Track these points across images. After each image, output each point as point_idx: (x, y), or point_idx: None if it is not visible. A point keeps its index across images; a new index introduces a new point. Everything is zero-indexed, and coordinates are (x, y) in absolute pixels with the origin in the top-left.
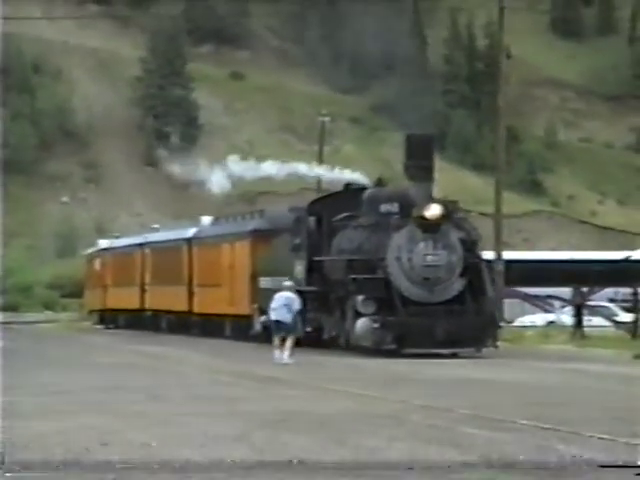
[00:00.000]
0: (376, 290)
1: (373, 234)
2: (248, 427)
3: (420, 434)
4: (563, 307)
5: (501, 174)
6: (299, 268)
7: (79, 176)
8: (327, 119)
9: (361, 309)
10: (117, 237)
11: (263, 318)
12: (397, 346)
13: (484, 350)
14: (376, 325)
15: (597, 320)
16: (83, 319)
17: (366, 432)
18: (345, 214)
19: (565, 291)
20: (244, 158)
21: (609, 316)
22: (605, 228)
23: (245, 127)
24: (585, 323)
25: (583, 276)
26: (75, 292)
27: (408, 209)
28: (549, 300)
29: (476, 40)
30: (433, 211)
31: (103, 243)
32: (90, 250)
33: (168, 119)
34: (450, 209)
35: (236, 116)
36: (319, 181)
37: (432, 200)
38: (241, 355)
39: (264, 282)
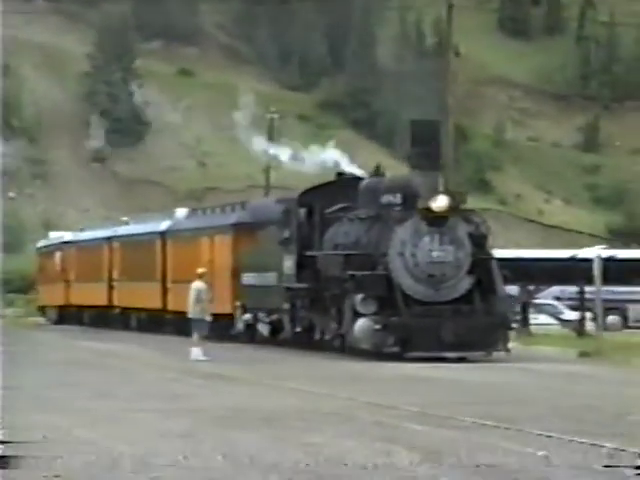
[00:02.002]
0: (377, 288)
1: (373, 227)
2: (195, 424)
3: (365, 431)
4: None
5: (449, 172)
6: (288, 263)
7: (26, 172)
8: (275, 116)
9: (360, 309)
10: (81, 230)
11: (246, 316)
12: (400, 349)
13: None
14: (377, 326)
15: (543, 318)
16: (30, 315)
17: (312, 429)
18: (339, 205)
19: (512, 289)
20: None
21: (555, 314)
22: (551, 227)
23: (193, 124)
24: (531, 321)
25: (530, 274)
26: (22, 287)
27: (412, 200)
28: None
29: (425, 38)
30: (440, 203)
31: (55, 236)
32: (43, 243)
33: (115, 116)
34: (458, 200)
35: (184, 113)
36: (268, 179)
37: (439, 191)
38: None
39: (247, 278)
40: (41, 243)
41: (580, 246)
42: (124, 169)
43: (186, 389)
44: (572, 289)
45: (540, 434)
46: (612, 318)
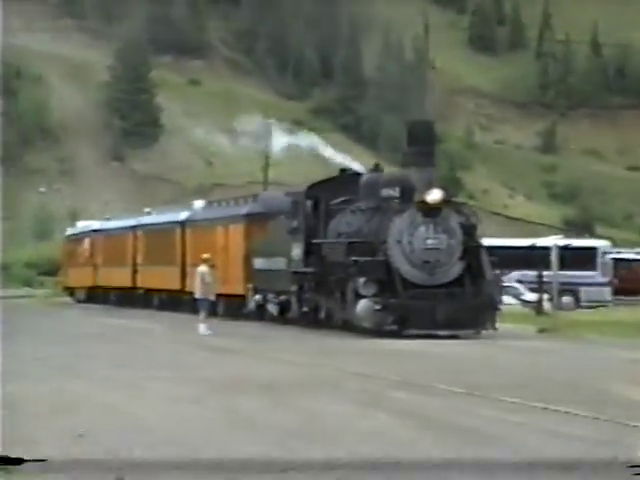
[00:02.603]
0: (377, 272)
1: (373, 218)
2: (202, 391)
3: (352, 398)
4: None
5: None
6: (296, 250)
7: (54, 169)
8: (272, 121)
9: (362, 291)
10: (108, 219)
11: (257, 297)
12: (398, 327)
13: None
14: (377, 307)
15: (506, 299)
16: (58, 295)
17: (305, 396)
18: (342, 198)
19: None
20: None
21: (516, 295)
22: (514, 219)
23: (199, 131)
24: None
25: (496, 260)
26: (50, 271)
27: (409, 194)
28: None
29: (405, 53)
30: (434, 196)
31: (82, 225)
32: (72, 231)
33: (132, 120)
34: (450, 194)
35: (192, 118)
36: (265, 175)
37: (433, 185)
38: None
39: (258, 263)
40: (69, 231)
41: (539, 236)
42: (140, 167)
43: (194, 360)
44: (532, 273)
45: (513, 402)
46: (566, 299)
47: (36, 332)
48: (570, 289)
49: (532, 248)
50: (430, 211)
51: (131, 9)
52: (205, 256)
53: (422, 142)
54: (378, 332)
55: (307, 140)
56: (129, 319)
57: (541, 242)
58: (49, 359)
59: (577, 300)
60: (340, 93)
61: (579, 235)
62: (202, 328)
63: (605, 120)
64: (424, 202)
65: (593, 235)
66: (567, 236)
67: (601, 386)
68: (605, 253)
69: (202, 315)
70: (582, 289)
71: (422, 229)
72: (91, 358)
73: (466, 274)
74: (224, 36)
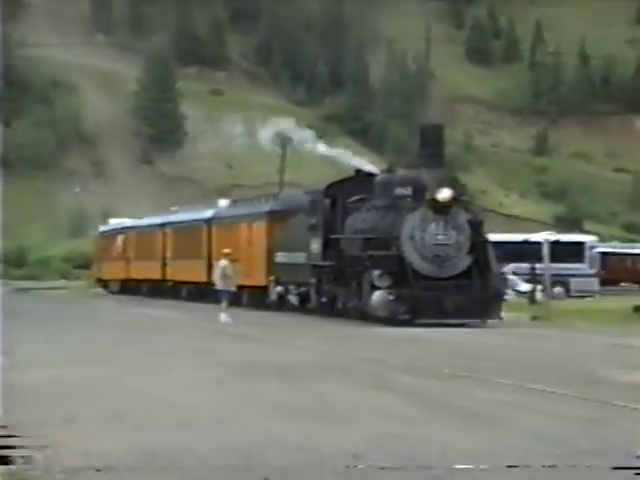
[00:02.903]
0: (391, 266)
1: (387, 215)
2: (223, 374)
3: (361, 380)
4: None
5: None
6: (315, 245)
7: (88, 171)
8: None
9: (377, 283)
10: (139, 218)
11: (278, 289)
12: (410, 317)
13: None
14: (391, 297)
15: None
16: (91, 287)
17: (318, 379)
18: (358, 197)
19: None
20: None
21: (512, 286)
22: (510, 216)
23: (222, 134)
24: None
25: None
26: (84, 264)
27: (421, 192)
28: None
29: (408, 64)
30: (444, 194)
31: (115, 222)
32: (104, 228)
33: (159, 127)
34: (459, 193)
35: (214, 125)
36: (281, 178)
37: (443, 184)
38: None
39: (279, 257)
40: (102, 228)
41: (532, 232)
42: (167, 170)
43: (217, 346)
44: (525, 266)
45: (508, 384)
46: (557, 289)
47: (73, 321)
48: (561, 280)
49: (526, 243)
50: (440, 209)
51: (158, 25)
52: (226, 251)
53: (433, 144)
54: (392, 321)
55: (333, 149)
56: (158, 309)
57: (534, 237)
58: (85, 346)
59: (567, 290)
60: (349, 101)
61: (568, 231)
62: (223, 317)
63: (593, 125)
64: (435, 200)
65: (581, 231)
66: (558, 232)
67: (589, 369)
68: (592, 247)
69: (224, 305)
70: (572, 280)
71: (433, 226)
72: (123, 344)
73: (473, 267)
74: (243, 50)
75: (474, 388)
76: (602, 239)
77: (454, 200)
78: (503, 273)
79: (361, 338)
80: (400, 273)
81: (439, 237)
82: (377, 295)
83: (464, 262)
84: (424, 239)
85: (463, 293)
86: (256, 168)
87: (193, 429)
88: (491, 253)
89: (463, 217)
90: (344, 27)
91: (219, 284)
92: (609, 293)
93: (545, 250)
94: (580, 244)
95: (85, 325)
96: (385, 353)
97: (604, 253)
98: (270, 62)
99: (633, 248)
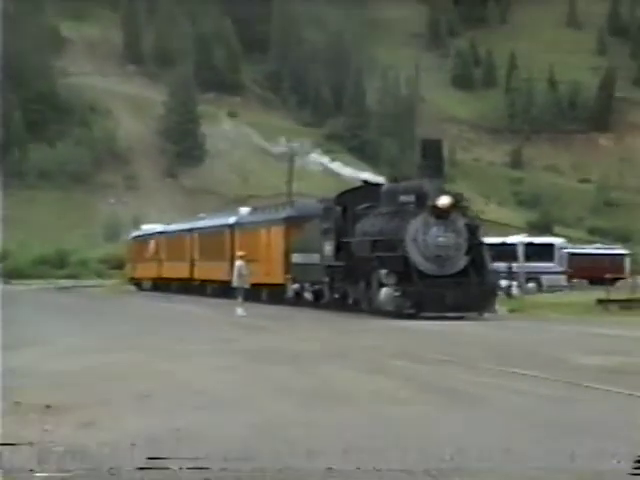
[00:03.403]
0: (397, 265)
1: (393, 220)
2: (238, 360)
3: (359, 365)
4: None
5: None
6: (328, 247)
7: (121, 185)
8: (296, 145)
9: (384, 280)
10: (168, 224)
11: (295, 286)
12: (414, 310)
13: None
14: (397, 293)
15: None
16: (124, 285)
17: (322, 364)
18: (366, 204)
19: None
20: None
21: None
22: (489, 222)
23: (237, 151)
24: None
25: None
26: (118, 265)
27: (423, 200)
28: None
29: (400, 89)
30: (444, 201)
31: (147, 228)
32: (137, 233)
33: (183, 145)
34: (458, 200)
35: (231, 143)
36: (290, 189)
37: (443, 192)
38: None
39: (296, 258)
40: (134, 234)
41: (509, 235)
42: (189, 182)
43: (232, 336)
44: (503, 265)
45: (488, 367)
46: (531, 285)
47: (107, 314)
48: (534, 277)
49: (503, 245)
50: (441, 214)
51: (181, 57)
52: (240, 253)
53: (433, 158)
54: (398, 314)
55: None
56: (183, 304)
57: (510, 240)
58: (117, 335)
59: (539, 286)
60: (348, 122)
61: (540, 234)
62: (239, 311)
63: (561, 142)
64: (436, 207)
65: (552, 234)
66: (531, 235)
67: (558, 354)
68: (561, 248)
69: (239, 300)
70: (543, 277)
71: (434, 229)
72: (151, 335)
73: (470, 266)
74: (256, 77)
75: (457, 371)
76: (570, 241)
77: (453, 206)
78: (497, 271)
79: (363, 329)
80: (405, 272)
81: (440, 239)
82: (384, 292)
83: (462, 262)
84: (426, 241)
85: (461, 289)
86: (268, 180)
87: (212, 408)
88: (486, 254)
89: (461, 221)
90: (345, 57)
91: (235, 282)
92: (575, 288)
93: (520, 251)
94: (550, 245)
95: (118, 318)
96: (381, 341)
97: (571, 253)
98: (279, 88)
99: (596, 249)
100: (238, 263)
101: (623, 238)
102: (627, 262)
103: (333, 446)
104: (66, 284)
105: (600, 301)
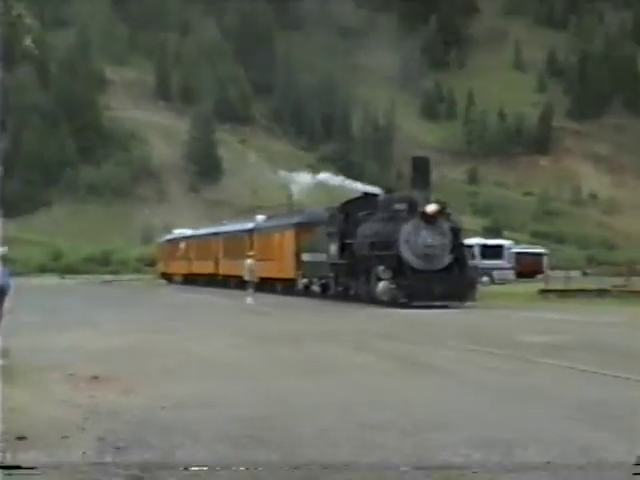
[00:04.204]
0: (392, 262)
1: (388, 224)
2: (246, 341)
3: (347, 344)
4: None
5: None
6: (333, 248)
7: (154, 198)
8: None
9: (382, 275)
10: (196, 229)
11: (304, 280)
12: (407, 300)
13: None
14: (393, 286)
15: None
16: (156, 279)
17: (317, 343)
18: (365, 212)
19: None
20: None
21: None
22: None
23: (247, 172)
24: None
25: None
26: (152, 263)
27: (414, 207)
28: None
29: (379, 120)
30: (432, 208)
31: (178, 232)
32: (168, 237)
33: (204, 165)
34: (443, 207)
35: (243, 164)
36: (290, 198)
37: (430, 201)
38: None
39: (305, 257)
40: (165, 237)
41: (467, 238)
42: (209, 196)
43: (242, 321)
44: None
45: (453, 345)
46: (485, 279)
47: (143, 303)
48: (487, 272)
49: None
50: (429, 219)
51: (203, 94)
52: (250, 253)
53: (422, 172)
54: (393, 304)
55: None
56: (204, 294)
57: (468, 241)
58: (150, 320)
59: (492, 279)
60: (337, 147)
61: (493, 237)
62: (249, 300)
63: (508, 163)
64: (425, 213)
65: (501, 237)
66: (485, 238)
67: (510, 334)
68: (509, 249)
69: (250, 291)
70: (495, 272)
71: (424, 232)
72: (177, 320)
73: (454, 263)
74: (263, 112)
75: (429, 349)
76: (516, 243)
77: (439, 213)
78: (476, 267)
79: (357, 315)
80: (399, 268)
81: (428, 241)
82: (382, 285)
83: (447, 259)
84: (417, 242)
85: (447, 282)
86: (273, 194)
87: (227, 378)
88: (466, 252)
89: (446, 226)
90: (333, 95)
91: (246, 276)
92: (520, 281)
93: (476, 251)
94: (500, 246)
95: (150, 306)
96: (367, 325)
97: (517, 253)
98: (281, 120)
99: (522, 249)
100: (248, 261)
101: (559, 240)
102: (545, 260)
103: (325, 407)
104: (109, 278)
105: (542, 291)
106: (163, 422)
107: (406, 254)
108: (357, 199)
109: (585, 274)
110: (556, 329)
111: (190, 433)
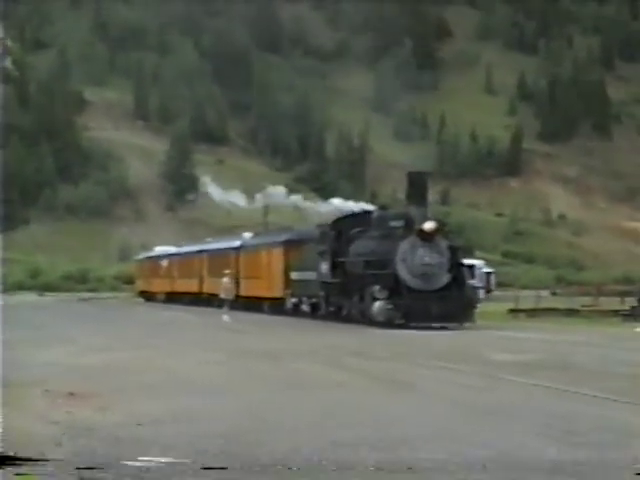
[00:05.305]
0: (388, 281)
1: (384, 242)
2: (225, 356)
3: (323, 361)
4: None
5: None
6: (324, 266)
7: (131, 217)
8: (269, 187)
9: (377, 295)
10: (180, 246)
11: (293, 299)
12: (404, 321)
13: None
14: (389, 306)
15: None
16: (133, 297)
17: (295, 360)
18: (358, 229)
19: None
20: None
21: None
22: None
23: (223, 190)
24: None
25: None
26: (129, 281)
27: (410, 224)
28: None
29: (353, 141)
30: (429, 226)
31: (159, 250)
32: (147, 254)
33: (180, 185)
34: (441, 224)
35: (219, 185)
36: (266, 218)
37: (428, 218)
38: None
39: (294, 275)
40: (143, 254)
41: None
42: (185, 215)
43: (220, 338)
44: None
45: (423, 363)
46: None
47: (119, 320)
48: None
49: None
50: (426, 237)
51: (179, 114)
52: (227, 271)
53: (418, 187)
54: (389, 325)
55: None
56: (182, 312)
57: None
58: (127, 337)
59: None
60: (312, 167)
61: (465, 257)
62: (225, 317)
63: (480, 184)
64: (422, 231)
65: (473, 257)
66: None
67: (480, 352)
68: (480, 268)
69: (225, 309)
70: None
71: (421, 250)
72: (154, 336)
73: (452, 282)
74: (239, 132)
75: (402, 366)
76: (487, 263)
77: (437, 230)
78: (475, 287)
79: (336, 332)
80: (395, 287)
81: (425, 259)
82: (377, 305)
83: (445, 278)
84: (414, 260)
85: (445, 302)
86: (246, 214)
87: (204, 394)
88: (465, 271)
89: (444, 244)
90: (309, 116)
91: (222, 294)
92: (491, 300)
93: None
94: (472, 266)
95: (127, 323)
96: (342, 342)
97: (487, 272)
98: (257, 140)
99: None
100: (225, 279)
101: (529, 260)
102: (493, 278)
103: (300, 422)
104: (86, 296)
105: (511, 310)
106: (139, 438)
107: (403, 273)
108: (349, 216)
109: (554, 294)
110: (524, 348)
111: (165, 449)
